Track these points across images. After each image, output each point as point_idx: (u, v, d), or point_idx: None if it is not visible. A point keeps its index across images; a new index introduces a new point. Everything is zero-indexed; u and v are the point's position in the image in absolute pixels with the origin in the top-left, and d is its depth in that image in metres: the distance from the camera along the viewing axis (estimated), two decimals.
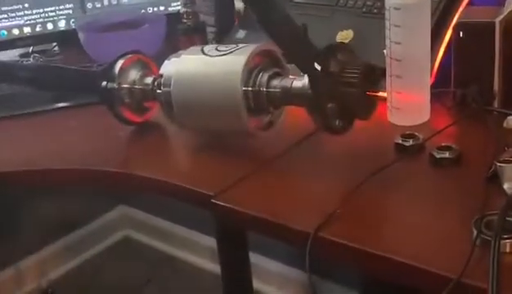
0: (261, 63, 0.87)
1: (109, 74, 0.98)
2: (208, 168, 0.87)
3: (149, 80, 0.97)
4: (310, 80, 0.78)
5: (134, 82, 0.98)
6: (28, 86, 1.16)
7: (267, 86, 0.85)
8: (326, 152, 0.87)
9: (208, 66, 0.88)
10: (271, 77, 0.86)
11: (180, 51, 0.94)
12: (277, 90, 0.85)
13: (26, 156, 0.98)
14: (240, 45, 0.89)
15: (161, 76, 0.92)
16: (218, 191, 0.79)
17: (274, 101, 0.86)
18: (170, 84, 0.90)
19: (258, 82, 0.85)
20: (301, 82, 0.82)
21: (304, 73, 0.80)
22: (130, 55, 1.00)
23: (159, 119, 1.00)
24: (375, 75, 0.80)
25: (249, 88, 0.85)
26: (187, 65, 0.91)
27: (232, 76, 0.85)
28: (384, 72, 0.87)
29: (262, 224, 0.75)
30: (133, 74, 0.99)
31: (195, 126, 0.93)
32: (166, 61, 0.94)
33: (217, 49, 0.89)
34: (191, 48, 0.93)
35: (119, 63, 0.98)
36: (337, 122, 0.80)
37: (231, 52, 0.87)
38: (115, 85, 0.98)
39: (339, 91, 0.77)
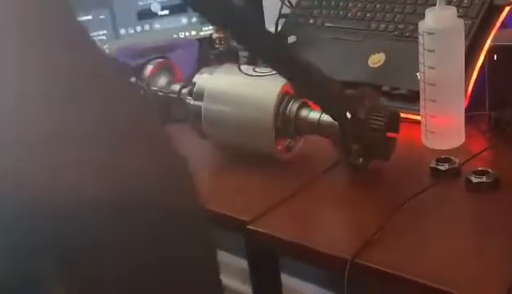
0: (292, 91, 0.89)
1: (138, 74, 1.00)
2: (240, 193, 0.87)
3: (176, 87, 0.97)
4: (340, 126, 0.82)
5: (162, 87, 1.00)
6: None
7: (296, 115, 0.88)
8: (360, 177, 0.86)
9: (244, 85, 0.91)
10: (300, 107, 0.88)
11: (214, 66, 0.95)
12: (305, 119, 0.87)
13: None
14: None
15: (193, 84, 0.93)
16: (253, 217, 0.80)
17: (300, 129, 0.89)
18: (202, 96, 0.91)
19: (288, 109, 0.88)
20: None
21: (337, 121, 0.82)
22: (159, 60, 1.01)
23: (187, 137, 0.93)
24: (397, 120, 0.84)
25: (280, 111, 0.87)
26: (222, 81, 0.92)
27: (268, 97, 0.88)
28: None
29: (299, 251, 0.75)
30: (162, 80, 1.00)
31: (222, 143, 0.95)
32: (197, 75, 0.94)
33: (254, 70, 0.92)
34: (226, 65, 0.95)
35: (149, 67, 1.00)
36: (360, 160, 0.83)
37: (268, 75, 0.89)
38: (145, 84, 0.99)
39: (366, 134, 0.81)
